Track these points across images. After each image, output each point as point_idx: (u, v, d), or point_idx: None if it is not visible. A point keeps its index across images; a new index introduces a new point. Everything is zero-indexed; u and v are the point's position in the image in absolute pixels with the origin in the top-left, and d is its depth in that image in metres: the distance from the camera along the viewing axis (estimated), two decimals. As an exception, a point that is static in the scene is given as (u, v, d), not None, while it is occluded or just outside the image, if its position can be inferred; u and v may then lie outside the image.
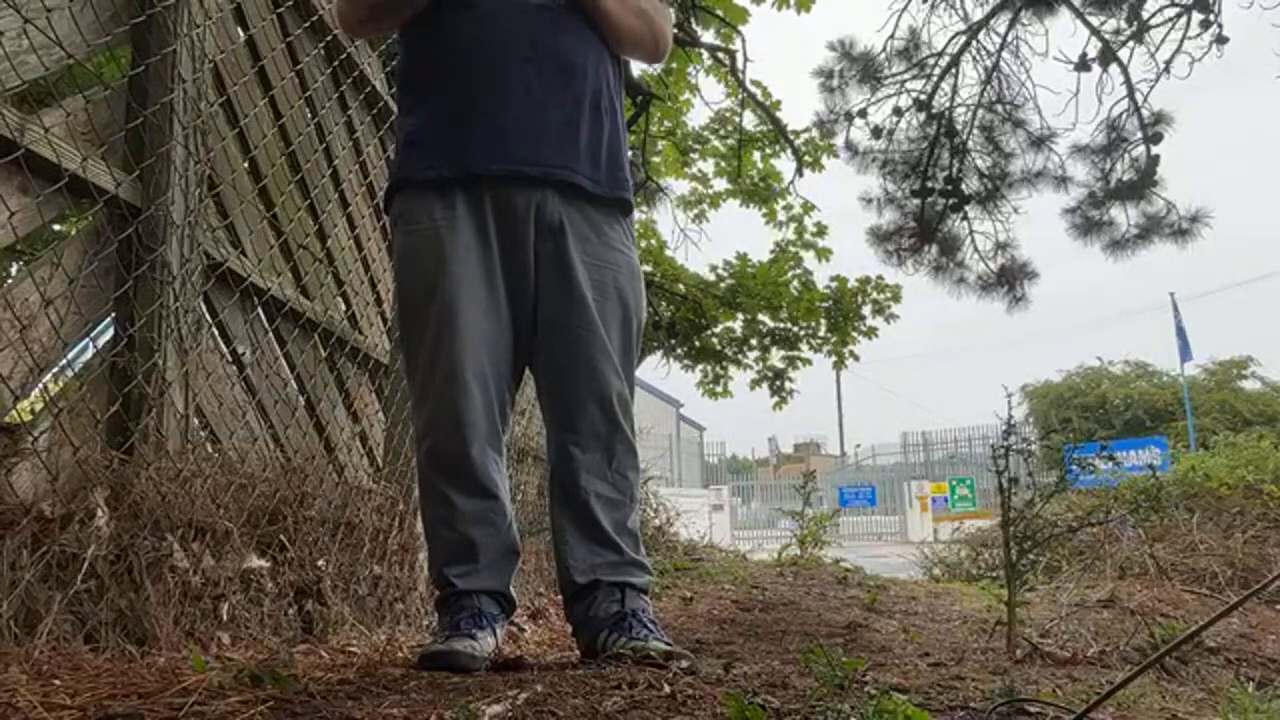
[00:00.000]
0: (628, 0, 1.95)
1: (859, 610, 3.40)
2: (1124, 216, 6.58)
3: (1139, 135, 6.29)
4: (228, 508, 1.83)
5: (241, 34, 2.44)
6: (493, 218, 1.82)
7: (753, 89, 7.49)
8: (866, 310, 10.04)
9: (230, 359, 2.29)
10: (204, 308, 2.14)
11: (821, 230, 9.86)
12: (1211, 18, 5.62)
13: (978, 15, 6.44)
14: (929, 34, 6.68)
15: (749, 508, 25.40)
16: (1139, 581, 3.91)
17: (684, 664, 1.57)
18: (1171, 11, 5.90)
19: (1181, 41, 5.77)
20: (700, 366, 10.37)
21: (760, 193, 9.45)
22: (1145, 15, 6.00)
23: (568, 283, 1.83)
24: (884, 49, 6.74)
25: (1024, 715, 1.31)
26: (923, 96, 6.71)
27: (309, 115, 2.71)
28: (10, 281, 1.79)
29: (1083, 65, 6.10)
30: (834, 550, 5.97)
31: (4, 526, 1.42)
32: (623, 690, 1.33)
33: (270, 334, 2.47)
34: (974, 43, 6.51)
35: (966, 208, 6.85)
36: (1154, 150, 6.26)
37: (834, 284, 10.00)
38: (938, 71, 6.64)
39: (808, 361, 10.35)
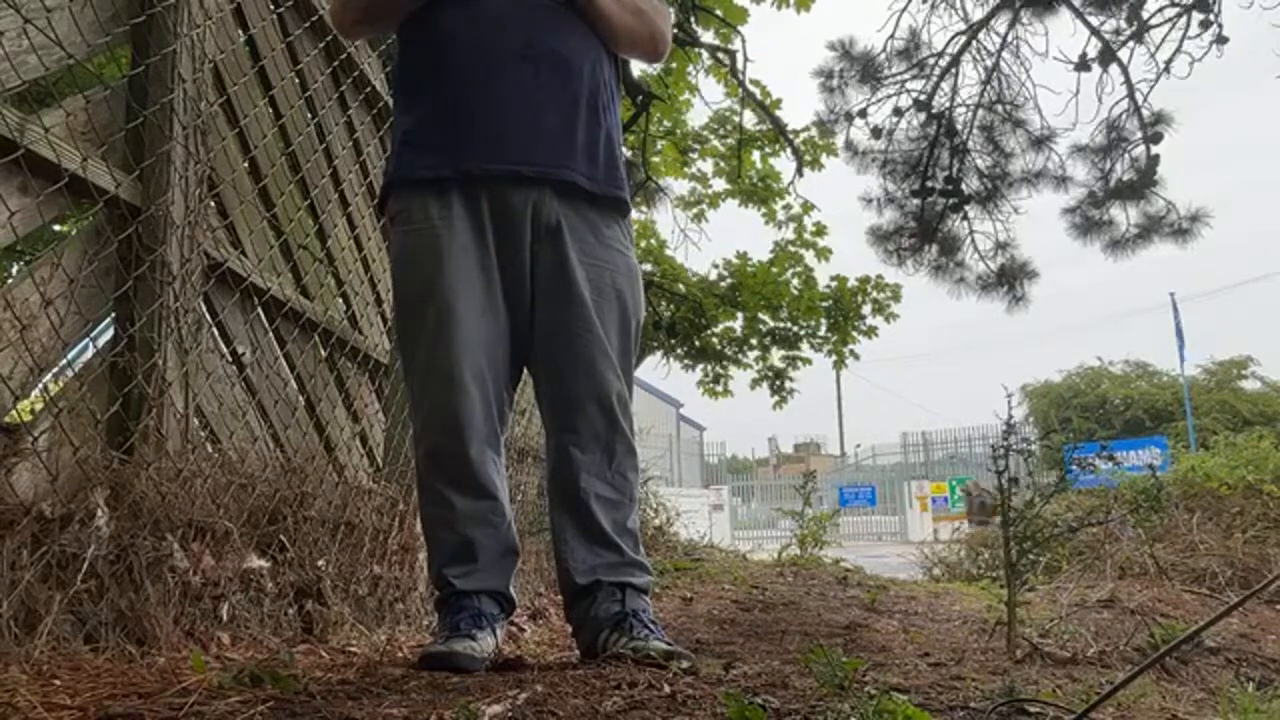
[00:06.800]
0: None
1: (859, 610, 3.40)
2: (1124, 216, 6.59)
3: (1139, 135, 6.30)
4: (228, 508, 1.83)
5: (241, 34, 2.44)
6: (490, 218, 1.82)
7: (752, 89, 7.49)
8: (866, 310, 10.07)
9: (230, 359, 2.29)
10: (204, 308, 2.14)
11: (821, 230, 9.88)
12: (1211, 18, 5.63)
13: (978, 15, 6.46)
14: (929, 34, 6.70)
15: (749, 508, 25.39)
16: (1139, 581, 3.91)
17: (684, 664, 1.57)
18: (1171, 11, 5.91)
19: (1181, 41, 5.79)
20: (700, 366, 10.38)
21: (759, 193, 9.46)
22: (1145, 15, 6.01)
23: (566, 283, 1.83)
24: (884, 49, 6.75)
25: (1024, 715, 1.31)
26: (923, 96, 6.71)
27: (309, 115, 2.70)
28: (10, 281, 1.79)
29: (1083, 65, 6.10)
30: (834, 550, 5.97)
31: (4, 526, 1.41)
32: (623, 690, 1.33)
33: (270, 334, 2.47)
34: (974, 43, 6.51)
35: (966, 208, 6.86)
36: (1154, 150, 6.27)
37: (834, 283, 10.01)
38: (938, 71, 6.65)
39: (808, 361, 10.37)
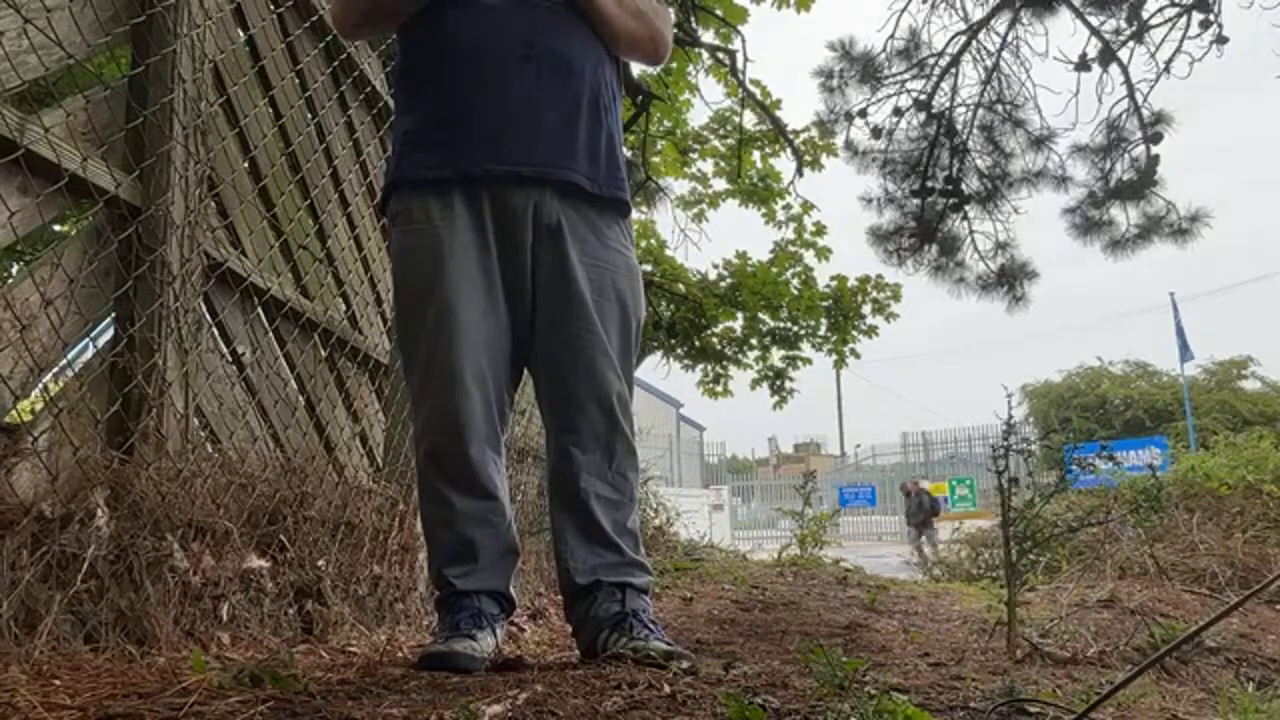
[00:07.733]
0: (625, 1, 1.95)
1: (859, 610, 3.40)
2: (1124, 216, 6.59)
3: (1139, 135, 6.30)
4: (228, 508, 1.83)
5: (241, 34, 2.44)
6: (491, 218, 1.82)
7: (752, 89, 7.49)
8: (867, 309, 10.06)
9: (230, 359, 2.29)
10: (204, 308, 2.14)
11: (820, 230, 9.87)
12: (1211, 18, 5.63)
13: (978, 15, 6.45)
14: (929, 34, 6.69)
15: (749, 508, 25.41)
16: (1139, 581, 3.91)
17: (684, 664, 1.57)
18: (1171, 11, 5.91)
19: (1181, 41, 5.79)
20: (700, 366, 10.38)
21: (759, 193, 9.46)
22: (1145, 15, 6.01)
23: (566, 283, 1.83)
24: (884, 49, 6.75)
25: (1024, 715, 1.31)
26: (923, 96, 6.71)
27: (309, 115, 2.70)
28: (10, 281, 1.79)
29: (1083, 65, 6.10)
30: (834, 550, 5.97)
31: (4, 526, 1.42)
32: (623, 690, 1.33)
33: (270, 334, 2.47)
34: (974, 43, 6.51)
35: (966, 208, 6.86)
36: (1154, 150, 6.27)
37: (834, 283, 10.01)
38: (938, 71, 6.65)
39: (808, 361, 10.37)
